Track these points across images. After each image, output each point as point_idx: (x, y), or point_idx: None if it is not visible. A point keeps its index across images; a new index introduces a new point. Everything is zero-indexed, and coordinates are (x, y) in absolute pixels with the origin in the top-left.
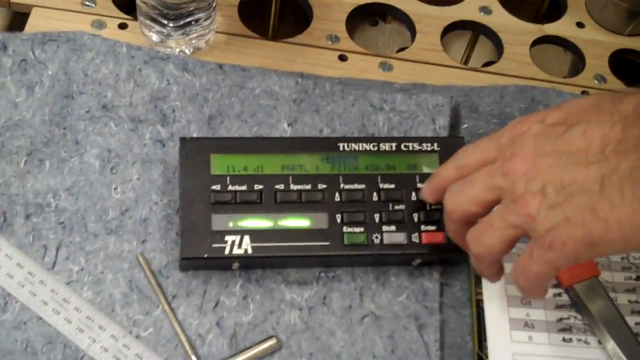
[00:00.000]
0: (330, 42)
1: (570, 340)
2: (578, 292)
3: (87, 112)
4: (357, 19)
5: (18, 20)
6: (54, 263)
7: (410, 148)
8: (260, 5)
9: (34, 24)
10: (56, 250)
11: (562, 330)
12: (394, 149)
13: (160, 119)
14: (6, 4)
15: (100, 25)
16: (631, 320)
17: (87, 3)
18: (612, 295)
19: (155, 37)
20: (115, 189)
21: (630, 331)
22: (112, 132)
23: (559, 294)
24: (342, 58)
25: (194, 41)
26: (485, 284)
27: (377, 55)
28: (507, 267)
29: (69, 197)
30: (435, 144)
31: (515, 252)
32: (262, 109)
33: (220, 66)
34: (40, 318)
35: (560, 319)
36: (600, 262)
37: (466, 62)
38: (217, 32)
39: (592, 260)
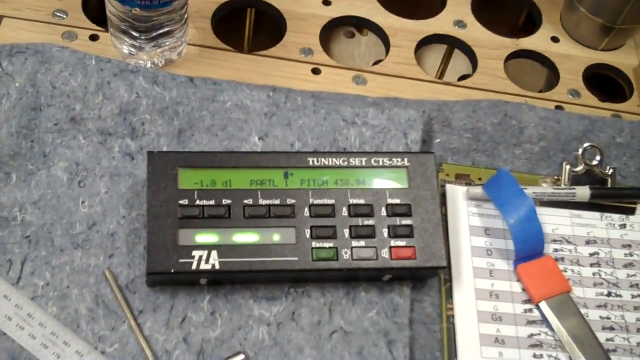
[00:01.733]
0: (303, 55)
1: (541, 356)
2: (549, 308)
3: (55, 124)
4: (333, 31)
5: None
6: (19, 277)
7: (380, 163)
8: (235, 18)
9: (3, 35)
10: (21, 264)
11: (533, 346)
12: (364, 163)
13: (129, 132)
14: None
15: (71, 36)
16: (602, 336)
17: (58, 14)
18: (583, 311)
19: (126, 50)
20: (83, 202)
21: (601, 347)
22: (80, 145)
23: (530, 310)
24: (316, 71)
25: (165, 53)
26: (456, 300)
27: (351, 68)
28: (478, 282)
29: (36, 211)
30: (405, 159)
31: (487, 267)
32: (233, 122)
33: (191, 79)
34: (4, 333)
35: (531, 335)
36: (571, 278)
37: (441, 76)
38: (189, 44)
39: (562, 276)
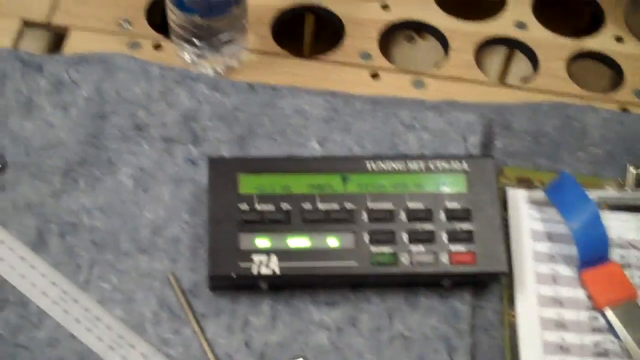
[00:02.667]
0: (362, 60)
1: None
2: (614, 315)
3: (120, 132)
4: (393, 36)
5: (57, 41)
6: (87, 281)
7: (439, 167)
8: (296, 24)
9: (71, 46)
10: (89, 268)
11: (598, 354)
12: (422, 168)
13: (191, 139)
14: (45, 25)
15: (135, 46)
16: None
17: (123, 25)
18: None
19: (188, 57)
20: (147, 208)
21: None
22: (144, 151)
23: (595, 318)
24: (375, 76)
25: (226, 60)
26: (519, 307)
27: (410, 72)
28: (542, 289)
29: (102, 216)
30: (464, 163)
31: (550, 273)
32: (292, 127)
33: (251, 85)
34: (73, 336)
35: (597, 343)
36: (638, 285)
37: (502, 78)
38: (249, 50)
39: (629, 282)
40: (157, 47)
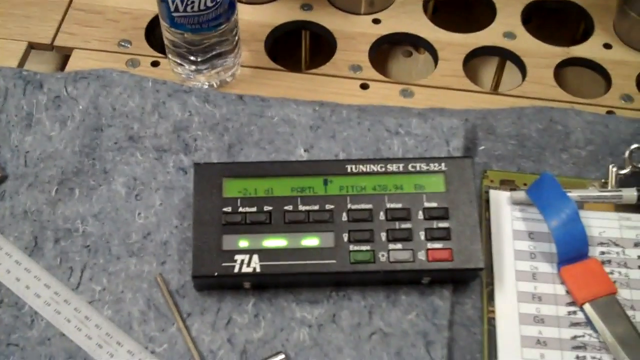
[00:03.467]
0: (352, 72)
1: (585, 358)
2: (593, 310)
3: (115, 143)
4: (391, 51)
5: (64, 63)
6: (79, 284)
7: (418, 168)
8: (294, 41)
9: (73, 65)
10: (81, 271)
11: (576, 348)
12: (401, 169)
13: (182, 148)
14: (50, 48)
15: (134, 63)
16: None
17: (123, 44)
18: (631, 313)
19: (183, 73)
20: (139, 214)
21: None
22: (138, 161)
23: (574, 312)
24: (364, 86)
25: (220, 75)
26: (498, 302)
27: (399, 82)
28: (521, 285)
29: (96, 223)
30: (443, 164)
31: (530, 270)
32: (280, 136)
33: (240, 97)
34: (63, 334)
35: (575, 337)
36: (618, 280)
37: (496, 88)
38: (243, 66)
39: (608, 278)
40: (155, 64)
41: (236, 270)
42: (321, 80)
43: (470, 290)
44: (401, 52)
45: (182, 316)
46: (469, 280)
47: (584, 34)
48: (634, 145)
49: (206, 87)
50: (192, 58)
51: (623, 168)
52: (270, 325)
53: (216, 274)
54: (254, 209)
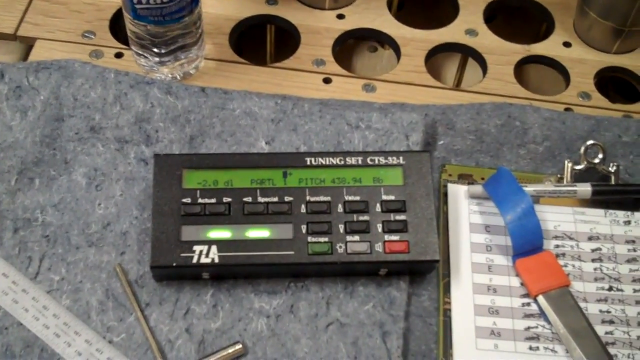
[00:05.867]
0: (315, 66)
1: (537, 348)
2: (546, 302)
3: (76, 133)
4: (357, 46)
5: (28, 53)
6: (37, 273)
7: (376, 162)
8: (259, 35)
9: (37, 55)
10: (40, 261)
11: (529, 338)
12: (360, 162)
13: (144, 140)
14: (13, 38)
15: (98, 55)
16: (601, 330)
17: (87, 35)
18: (583, 305)
19: (147, 65)
20: (99, 204)
21: (598, 339)
22: (99, 152)
23: (528, 304)
24: (327, 81)
25: (184, 67)
26: (454, 294)
27: (362, 77)
28: (476, 277)
29: (56, 213)
30: (401, 158)
31: (486, 263)
32: (242, 128)
33: (203, 89)
34: (21, 324)
35: (528, 328)
36: (571, 273)
37: (458, 84)
38: (207, 59)
39: (562, 270)
40: (119, 55)
41: (195, 261)
42: (284, 74)
43: (427, 282)
44: (367, 48)
45: (141, 306)
46: (426, 272)
47: (546, 33)
48: (589, 142)
49: (169, 79)
50: (155, 50)
51: (578, 164)
52: (228, 316)
53: (174, 264)
54: (213, 200)
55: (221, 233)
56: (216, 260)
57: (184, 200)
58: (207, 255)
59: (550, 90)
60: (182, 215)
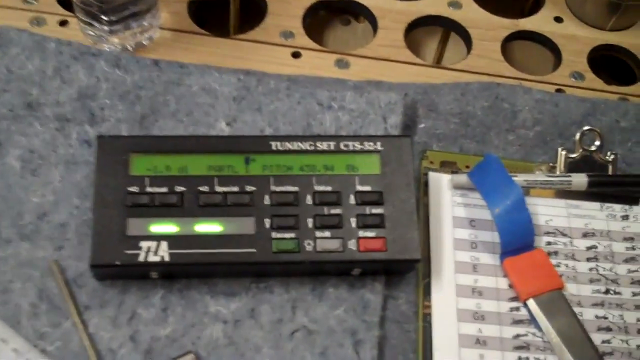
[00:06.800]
0: (284, 39)
1: (527, 359)
2: (537, 306)
3: (10, 110)
4: (328, 18)
5: None
6: None
7: (351, 147)
8: (220, 4)
9: None
10: None
11: (519, 348)
12: (332, 148)
13: (88, 118)
14: None
15: (39, 22)
16: (597, 338)
17: (28, 0)
18: (577, 310)
19: (94, 34)
20: (35, 191)
21: (595, 350)
22: (36, 132)
23: (517, 308)
24: (296, 55)
25: (137, 37)
26: (435, 297)
27: (334, 52)
28: (460, 278)
29: None
30: (379, 143)
31: (470, 262)
32: (199, 107)
33: (156, 62)
34: None
35: (517, 336)
36: (565, 274)
37: (438, 61)
38: (162, 28)
39: (554, 271)
40: (63, 23)
41: (141, 259)
42: (249, 47)
43: (405, 283)
44: (339, 21)
45: (79, 309)
46: (404, 272)
47: (535, 6)
48: (585, 128)
49: (119, 50)
50: (103, 17)
51: (573, 152)
52: (180, 321)
53: (118, 262)
54: (165, 190)
55: (172, 227)
56: (166, 259)
57: (130, 189)
58: (155, 253)
59: (537, 69)
60: (128, 207)
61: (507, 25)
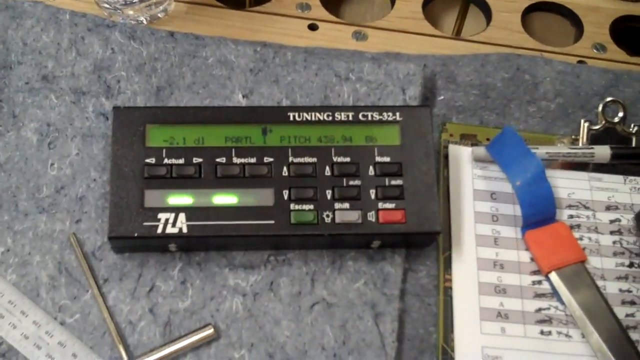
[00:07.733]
0: (300, 11)
1: (550, 332)
2: (560, 279)
3: (27, 83)
4: None
5: None
6: None
7: (370, 118)
8: None
9: None
10: None
11: (541, 321)
12: (350, 119)
13: (104, 91)
14: None
15: None
16: (621, 311)
17: None
18: (601, 283)
19: (109, 6)
20: (52, 164)
21: (619, 323)
22: (52, 104)
23: (539, 282)
24: (313, 27)
25: (151, 9)
26: (456, 270)
27: (351, 24)
28: (481, 251)
29: (1, 174)
30: (398, 114)
31: (491, 235)
32: (216, 79)
33: (172, 34)
34: None
35: (539, 309)
36: (588, 247)
37: (458, 33)
38: (177, 1)
39: (577, 244)
40: None
41: (160, 230)
42: (265, 19)
43: (425, 256)
44: None
45: (98, 282)
46: (424, 245)
47: None
48: (608, 99)
49: (134, 23)
50: None
51: (595, 123)
52: (198, 294)
53: (136, 234)
54: (182, 161)
55: (190, 199)
56: (184, 231)
57: (147, 160)
58: (173, 225)
59: (557, 41)
60: (145, 178)
61: None
